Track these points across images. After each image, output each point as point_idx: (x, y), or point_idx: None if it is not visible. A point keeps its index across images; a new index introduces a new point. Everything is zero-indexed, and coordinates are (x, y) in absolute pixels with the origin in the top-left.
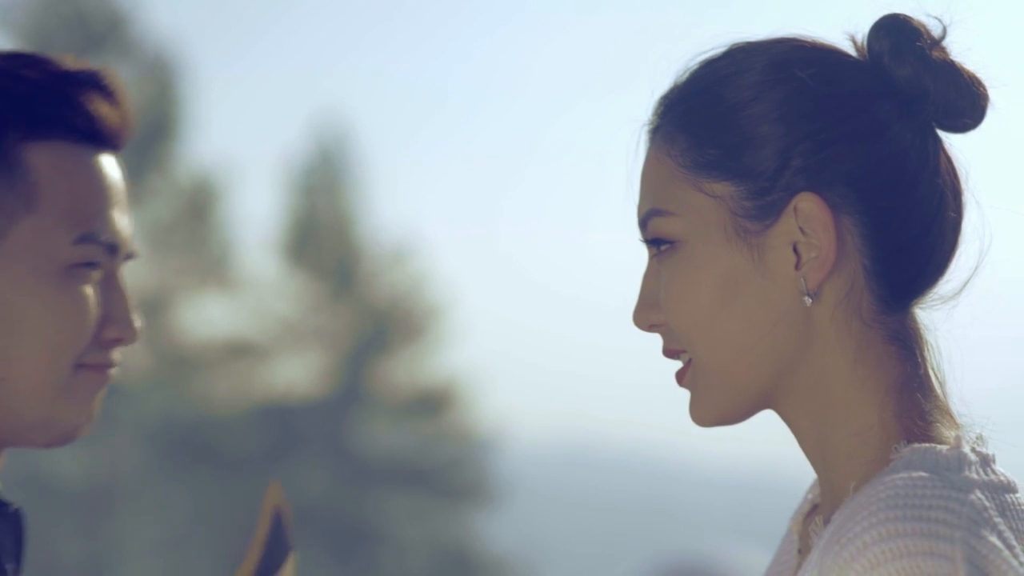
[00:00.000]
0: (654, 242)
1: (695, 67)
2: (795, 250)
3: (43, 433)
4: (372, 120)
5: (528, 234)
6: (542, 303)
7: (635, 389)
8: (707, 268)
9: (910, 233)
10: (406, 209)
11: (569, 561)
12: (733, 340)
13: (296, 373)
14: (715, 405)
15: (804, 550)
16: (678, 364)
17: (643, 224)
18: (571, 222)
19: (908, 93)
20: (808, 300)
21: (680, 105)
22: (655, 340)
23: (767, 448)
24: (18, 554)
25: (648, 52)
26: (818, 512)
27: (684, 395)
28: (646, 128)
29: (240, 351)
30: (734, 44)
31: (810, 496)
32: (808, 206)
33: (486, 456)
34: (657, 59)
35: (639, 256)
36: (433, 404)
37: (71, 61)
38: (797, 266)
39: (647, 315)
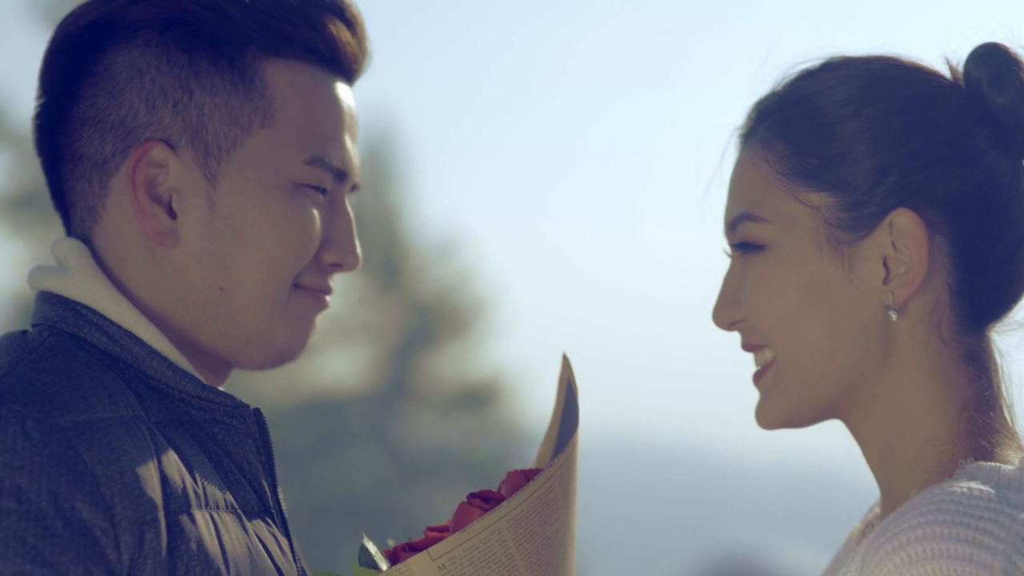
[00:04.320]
0: (741, 246)
1: (794, 76)
2: (885, 264)
3: (259, 350)
4: (415, 115)
5: (574, 227)
6: (588, 296)
7: (683, 381)
8: (795, 272)
9: (997, 258)
10: (452, 204)
11: (617, 553)
12: (815, 344)
13: (343, 368)
14: (786, 407)
15: None
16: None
17: (732, 226)
18: (617, 215)
19: (1004, 122)
20: (894, 315)
21: (780, 113)
22: (703, 333)
23: (815, 441)
24: (267, 449)
25: (690, 44)
26: (879, 518)
27: (731, 388)
28: (738, 132)
29: None
30: (832, 57)
31: (877, 510)
32: (904, 222)
33: (533, 450)
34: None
35: (686, 249)
36: (480, 398)
37: None
38: (885, 280)
39: (728, 313)
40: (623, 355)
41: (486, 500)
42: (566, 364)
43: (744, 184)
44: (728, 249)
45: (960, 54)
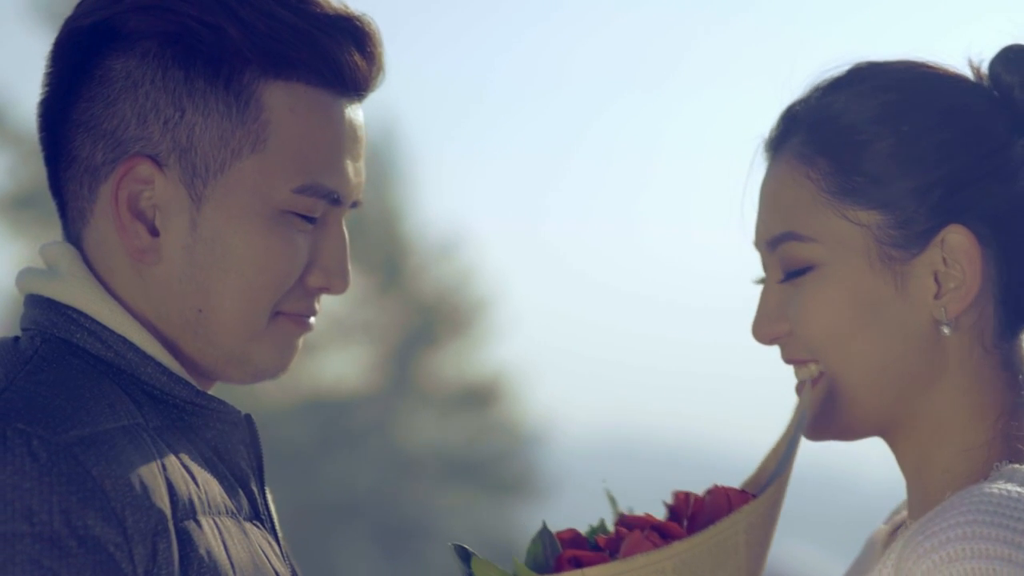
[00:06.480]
0: (791, 272)
1: (823, 87)
2: (936, 279)
3: (238, 369)
4: (417, 115)
5: (574, 227)
6: (589, 296)
7: (684, 381)
8: (847, 290)
9: None
10: (453, 203)
11: None
12: (869, 360)
13: (344, 367)
14: (838, 421)
15: None
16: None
17: (773, 244)
18: (617, 215)
19: None
20: (947, 329)
21: (815, 129)
22: (703, 333)
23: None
24: (258, 455)
25: (690, 45)
26: (908, 520)
27: (733, 388)
28: (765, 141)
29: None
30: (858, 64)
31: (904, 513)
32: (957, 239)
33: (534, 450)
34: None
35: (685, 250)
36: (480, 398)
37: (331, 4)
38: (937, 295)
39: (771, 328)
40: (623, 355)
41: (663, 536)
42: (807, 390)
43: (784, 202)
44: (763, 265)
45: (981, 54)
